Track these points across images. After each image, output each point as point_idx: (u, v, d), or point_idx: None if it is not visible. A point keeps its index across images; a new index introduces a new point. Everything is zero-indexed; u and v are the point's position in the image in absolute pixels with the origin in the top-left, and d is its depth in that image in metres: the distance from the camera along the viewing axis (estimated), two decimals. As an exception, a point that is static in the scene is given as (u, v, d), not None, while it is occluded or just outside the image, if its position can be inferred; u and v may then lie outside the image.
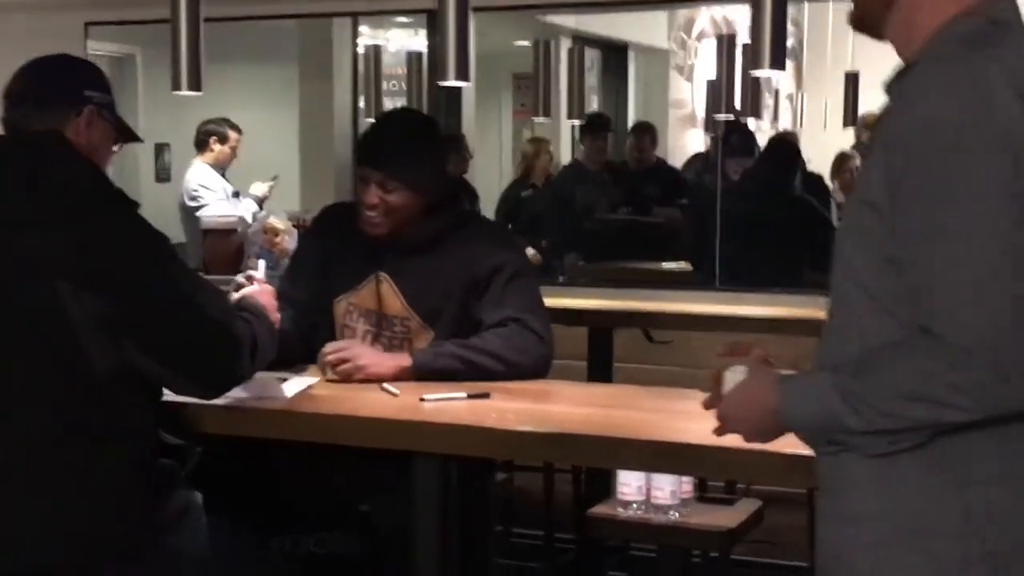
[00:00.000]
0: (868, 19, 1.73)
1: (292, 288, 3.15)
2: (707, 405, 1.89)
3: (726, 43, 4.87)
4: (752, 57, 2.80)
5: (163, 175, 6.28)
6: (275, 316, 2.72)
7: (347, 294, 3.11)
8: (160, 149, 6.26)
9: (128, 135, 2.58)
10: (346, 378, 2.86)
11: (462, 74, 2.78)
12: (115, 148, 2.53)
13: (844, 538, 1.66)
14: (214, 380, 2.47)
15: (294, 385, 2.80)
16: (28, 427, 2.26)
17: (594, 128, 6.34)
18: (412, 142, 3.00)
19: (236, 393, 2.66)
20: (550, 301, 4.37)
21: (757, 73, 2.78)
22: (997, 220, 1.48)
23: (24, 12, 5.22)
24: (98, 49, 5.61)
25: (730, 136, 5.60)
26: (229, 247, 4.37)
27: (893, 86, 1.67)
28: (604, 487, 3.49)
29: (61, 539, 2.27)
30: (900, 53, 1.70)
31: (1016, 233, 1.48)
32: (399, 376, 2.86)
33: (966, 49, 1.56)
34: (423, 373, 2.87)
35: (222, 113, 6.32)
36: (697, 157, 6.47)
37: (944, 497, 1.56)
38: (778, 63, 2.80)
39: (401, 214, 2.98)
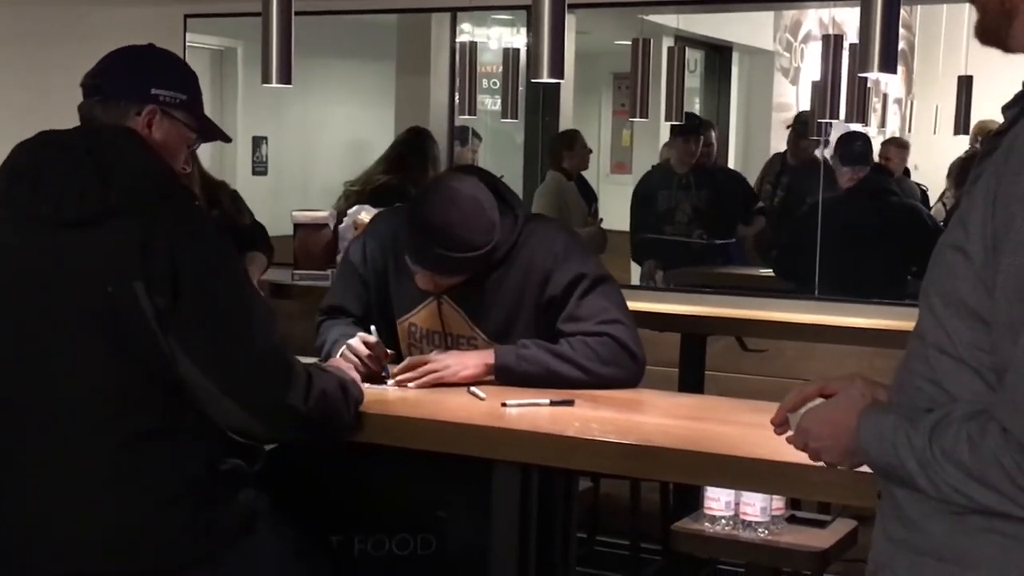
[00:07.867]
0: (991, 30, 1.56)
1: (344, 300, 3.10)
2: (776, 420, 1.82)
3: (832, 44, 4.69)
4: (860, 59, 2.67)
5: (259, 169, 6.25)
6: (354, 376, 2.59)
7: (408, 315, 3.02)
8: (257, 142, 6.25)
9: (209, 134, 2.49)
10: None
11: (556, 71, 2.69)
12: (191, 147, 2.45)
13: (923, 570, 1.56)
14: (263, 406, 2.27)
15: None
16: (102, 427, 2.22)
17: (686, 130, 6.15)
18: (456, 239, 2.77)
19: None
20: (642, 305, 4.31)
21: (866, 75, 2.66)
22: None
23: (123, 4, 5.26)
24: (199, 42, 5.63)
25: (851, 144, 5.34)
26: (319, 242, 4.36)
27: (1010, 111, 1.51)
28: (692, 497, 3.39)
29: (131, 541, 2.23)
30: None
31: None
32: (484, 375, 2.81)
33: None
34: (505, 377, 2.80)
35: (320, 108, 6.30)
36: (776, 158, 6.25)
37: (1014, 553, 1.47)
38: (889, 66, 2.67)
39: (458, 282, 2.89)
